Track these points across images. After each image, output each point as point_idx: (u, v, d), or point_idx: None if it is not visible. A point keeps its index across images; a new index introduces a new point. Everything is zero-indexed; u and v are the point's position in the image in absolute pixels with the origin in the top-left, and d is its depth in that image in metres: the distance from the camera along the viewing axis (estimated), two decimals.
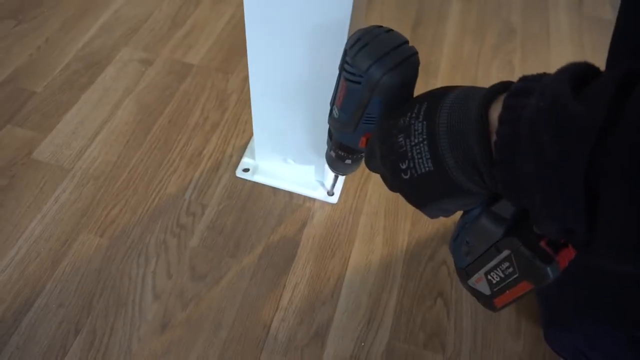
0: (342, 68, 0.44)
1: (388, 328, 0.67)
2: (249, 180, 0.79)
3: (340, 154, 0.52)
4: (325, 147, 0.56)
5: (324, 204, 0.78)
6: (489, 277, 0.38)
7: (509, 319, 0.69)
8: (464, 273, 0.41)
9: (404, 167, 0.37)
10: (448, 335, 0.67)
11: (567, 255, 0.35)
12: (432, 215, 0.40)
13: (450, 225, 0.77)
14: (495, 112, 0.32)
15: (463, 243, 0.40)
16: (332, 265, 0.72)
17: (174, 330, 0.64)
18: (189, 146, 0.83)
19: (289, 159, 0.77)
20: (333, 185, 0.76)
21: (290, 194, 0.78)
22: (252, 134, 0.84)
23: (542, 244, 0.34)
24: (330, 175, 0.76)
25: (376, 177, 0.81)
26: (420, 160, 0.36)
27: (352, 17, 0.52)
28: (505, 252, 0.36)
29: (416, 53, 0.43)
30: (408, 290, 0.70)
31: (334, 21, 0.53)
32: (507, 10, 1.17)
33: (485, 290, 0.40)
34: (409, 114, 0.37)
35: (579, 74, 0.29)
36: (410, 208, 0.77)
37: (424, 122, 0.35)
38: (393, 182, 0.40)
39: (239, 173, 0.80)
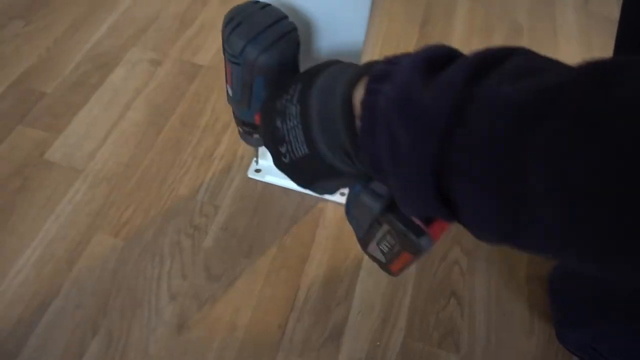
0: (223, 49, 0.44)
1: (402, 328, 0.67)
2: (261, 181, 0.79)
3: (246, 129, 0.53)
4: None
5: (336, 204, 0.78)
6: (380, 247, 0.41)
7: (521, 318, 0.69)
8: (362, 242, 0.44)
9: (283, 150, 0.38)
10: (462, 334, 0.67)
11: (439, 227, 0.36)
12: (318, 192, 0.42)
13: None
14: (359, 94, 0.32)
15: (352, 216, 0.43)
16: (346, 266, 0.72)
17: (191, 330, 0.65)
18: (200, 147, 0.83)
19: None
20: (256, 159, 0.76)
21: (302, 195, 0.78)
22: None
23: (414, 217, 0.36)
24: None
25: None
26: (297, 145, 0.37)
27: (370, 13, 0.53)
28: (385, 227, 0.38)
29: (295, 29, 0.43)
30: (421, 290, 0.71)
31: (350, 20, 0.53)
32: (514, 10, 1.17)
33: (381, 258, 0.42)
34: (285, 96, 0.38)
35: (436, 58, 0.29)
36: None
37: (298, 106, 0.36)
38: (277, 165, 0.41)
39: (251, 174, 0.80)
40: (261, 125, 0.42)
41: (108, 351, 0.63)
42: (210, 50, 0.98)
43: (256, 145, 0.60)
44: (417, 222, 0.36)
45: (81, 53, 0.95)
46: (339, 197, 0.78)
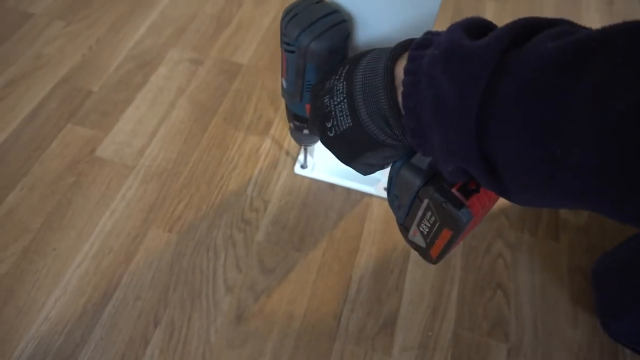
0: (281, 40, 0.47)
1: (452, 318, 0.69)
2: (307, 177, 0.81)
3: (297, 124, 0.57)
4: None
5: (381, 199, 0.80)
6: (420, 228, 0.41)
7: (565, 309, 0.71)
8: (403, 228, 0.45)
9: (329, 125, 0.40)
10: (510, 324, 0.69)
11: (478, 200, 0.37)
12: (361, 170, 0.44)
13: (504, 220, 0.79)
14: (401, 66, 0.34)
15: (394, 197, 0.43)
16: (394, 258, 0.74)
17: (249, 321, 0.67)
18: (246, 143, 0.85)
19: None
20: (305, 159, 0.78)
21: (348, 190, 0.81)
22: None
23: (454, 190, 0.37)
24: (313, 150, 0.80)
25: None
26: (342, 118, 0.39)
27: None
28: (425, 202, 0.39)
29: (345, 21, 0.46)
30: (468, 282, 0.73)
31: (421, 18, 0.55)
32: (540, 11, 1.19)
33: (421, 242, 0.43)
34: (334, 76, 0.40)
35: (475, 26, 0.31)
36: None
37: (344, 82, 0.38)
38: (323, 140, 0.43)
39: (297, 170, 0.82)
40: (311, 105, 0.44)
41: (171, 340, 0.65)
42: (248, 49, 1.00)
43: (305, 143, 0.64)
44: (457, 194, 0.37)
45: (123, 52, 0.97)
46: (383, 192, 0.80)
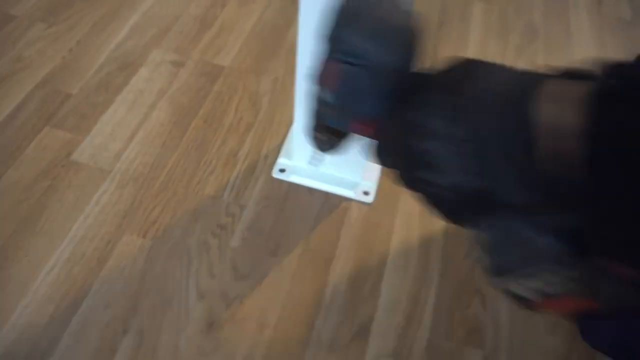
0: (327, 44, 0.37)
1: (428, 325, 0.68)
2: (286, 181, 0.80)
3: (325, 137, 0.43)
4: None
5: (360, 204, 0.79)
6: (527, 284, 0.33)
7: (545, 316, 0.70)
8: (496, 274, 0.35)
9: (427, 176, 0.30)
10: (486, 331, 0.68)
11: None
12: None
13: None
14: (550, 109, 0.25)
15: (499, 251, 0.33)
16: (371, 264, 0.73)
17: (220, 329, 0.66)
18: (225, 147, 0.84)
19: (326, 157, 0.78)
20: (315, 157, 0.75)
21: (327, 194, 0.79)
22: (285, 135, 0.85)
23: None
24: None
25: None
26: (452, 172, 0.29)
27: None
28: (571, 271, 0.31)
29: (420, 26, 0.36)
30: (446, 288, 0.71)
31: None
32: (528, 11, 1.18)
33: (521, 293, 0.34)
34: (423, 107, 0.30)
35: None
36: None
37: (460, 124, 0.28)
38: (408, 183, 0.34)
39: (276, 173, 0.81)
40: (382, 139, 0.35)
41: (140, 349, 0.64)
42: (231, 51, 0.99)
43: (327, 152, 0.48)
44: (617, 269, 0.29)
45: (104, 54, 0.96)
46: (363, 196, 0.79)
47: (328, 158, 0.78)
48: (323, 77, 0.37)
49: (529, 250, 0.31)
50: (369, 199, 0.79)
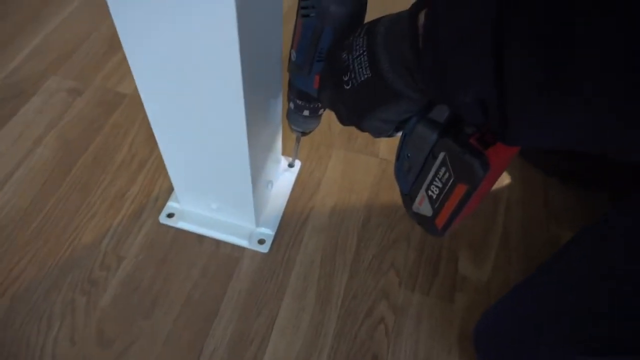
0: (298, 8, 0.48)
1: None
2: (173, 227, 0.72)
3: (299, 103, 0.57)
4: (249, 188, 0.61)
5: (254, 253, 0.71)
6: (430, 192, 0.42)
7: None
8: (408, 198, 0.45)
9: (346, 78, 0.41)
10: None
11: (496, 152, 0.37)
12: (373, 128, 0.43)
13: (393, 276, 0.70)
14: (422, 15, 0.34)
15: (405, 158, 0.44)
16: (257, 325, 0.65)
17: None
18: (112, 187, 0.76)
19: (212, 204, 0.70)
20: (296, 152, 0.72)
21: (217, 243, 0.72)
22: None
23: (472, 140, 0.37)
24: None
25: (314, 221, 0.75)
26: (360, 70, 0.40)
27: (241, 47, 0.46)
28: (441, 156, 0.39)
29: None
30: (339, 353, 0.64)
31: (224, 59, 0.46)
32: None
33: (428, 211, 0.43)
34: (352, 35, 0.41)
35: None
36: (349, 256, 0.71)
37: (364, 37, 0.39)
38: (336, 97, 0.44)
39: (163, 219, 0.73)
40: (325, 64, 0.46)
41: None
42: None
43: (302, 128, 0.62)
44: (475, 144, 0.37)
45: None
46: (257, 246, 0.71)
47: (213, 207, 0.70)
48: (293, 40, 0.50)
49: (418, 144, 0.41)
50: (265, 248, 0.71)
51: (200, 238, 0.72)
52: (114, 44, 0.97)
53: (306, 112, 0.59)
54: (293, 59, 0.51)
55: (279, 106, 0.65)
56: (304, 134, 0.64)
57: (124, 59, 0.94)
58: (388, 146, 0.85)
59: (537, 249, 0.75)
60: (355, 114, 0.43)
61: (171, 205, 0.74)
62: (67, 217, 0.73)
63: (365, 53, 0.39)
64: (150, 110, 0.56)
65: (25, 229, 0.71)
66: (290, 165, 0.79)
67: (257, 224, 0.72)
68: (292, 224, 0.75)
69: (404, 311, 0.68)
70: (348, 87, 0.42)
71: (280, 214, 0.75)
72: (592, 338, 0.47)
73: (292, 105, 0.59)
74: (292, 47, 0.51)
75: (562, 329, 0.50)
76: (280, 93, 0.64)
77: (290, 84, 0.56)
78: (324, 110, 0.60)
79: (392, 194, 0.79)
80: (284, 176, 0.79)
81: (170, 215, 0.73)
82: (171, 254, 0.70)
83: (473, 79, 0.30)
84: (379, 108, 0.41)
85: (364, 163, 0.83)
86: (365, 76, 0.40)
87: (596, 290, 0.48)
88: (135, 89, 0.89)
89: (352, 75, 0.41)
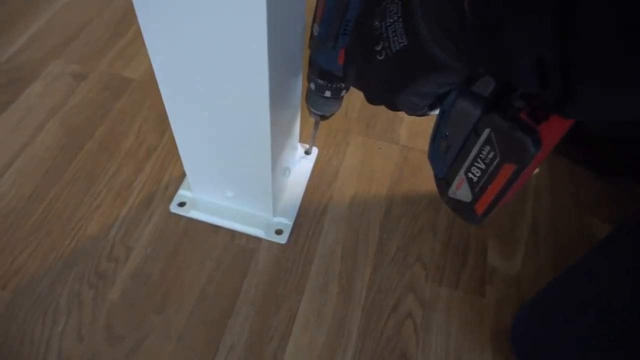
0: None
1: None
2: (185, 217, 0.68)
3: (320, 82, 0.53)
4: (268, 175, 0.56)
5: (271, 244, 0.67)
6: (470, 174, 0.38)
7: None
8: (444, 183, 0.41)
9: (378, 48, 0.38)
10: None
11: (549, 127, 0.33)
12: (408, 105, 0.39)
13: (419, 269, 0.66)
14: None
15: (442, 137, 0.40)
16: (277, 321, 0.61)
17: None
18: (118, 175, 0.72)
19: (228, 192, 0.66)
20: (314, 137, 0.68)
21: (232, 233, 0.67)
22: None
23: (522, 115, 0.33)
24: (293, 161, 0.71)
25: (333, 211, 0.70)
26: (395, 38, 0.36)
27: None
28: (485, 133, 0.35)
29: None
30: (365, 351, 0.59)
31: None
32: None
33: (467, 195, 0.39)
34: (385, 1, 0.37)
35: None
36: (371, 247, 0.67)
37: (399, 2, 0.35)
38: (367, 70, 0.40)
39: (174, 208, 0.69)
40: (352, 35, 0.42)
41: None
42: (143, 61, 0.87)
43: (322, 111, 0.58)
44: (526, 119, 0.33)
45: None
46: (274, 236, 0.67)
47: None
48: (315, 12, 0.46)
49: (459, 120, 0.37)
50: (282, 239, 0.67)
51: (214, 228, 0.68)
52: (118, 30, 0.93)
53: (328, 93, 0.55)
54: (315, 33, 0.47)
55: (299, 87, 0.61)
56: (323, 117, 0.60)
57: (129, 45, 0.90)
58: (409, 132, 0.81)
59: (567, 239, 0.71)
60: (390, 89, 0.39)
61: (182, 193, 0.70)
62: (71, 207, 0.68)
63: (400, 20, 0.35)
64: (165, 88, 0.51)
65: (28, 218, 0.67)
66: (307, 153, 0.74)
67: (274, 214, 0.67)
68: (310, 213, 0.70)
69: (432, 306, 0.63)
70: (381, 58, 0.38)
71: (298, 203, 0.70)
72: None
73: (312, 85, 0.55)
74: (314, 20, 0.47)
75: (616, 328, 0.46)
76: (301, 71, 0.60)
77: (312, 62, 0.52)
78: (346, 92, 0.56)
79: (415, 182, 0.75)
80: (300, 164, 0.75)
81: (181, 204, 0.69)
82: (183, 245, 0.66)
83: (534, 37, 0.27)
84: (417, 80, 0.37)
85: (384, 150, 0.79)
86: (401, 44, 0.36)
87: None
88: (143, 74, 0.85)
89: (386, 44, 0.37)
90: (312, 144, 0.71)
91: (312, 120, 0.62)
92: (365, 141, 0.80)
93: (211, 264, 0.65)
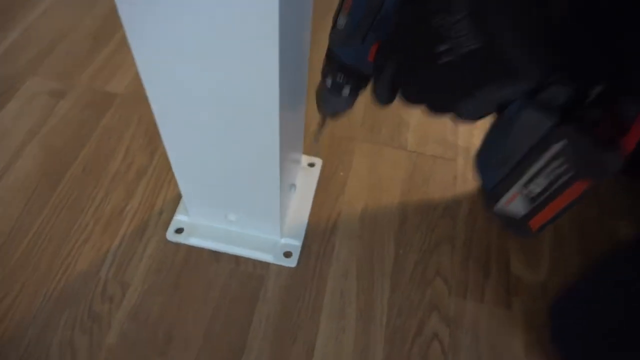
0: None
1: None
2: (183, 244, 0.62)
3: (339, 80, 0.47)
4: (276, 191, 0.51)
5: (280, 268, 0.61)
6: (531, 186, 0.36)
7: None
8: (493, 195, 0.39)
9: (442, 49, 0.33)
10: None
11: (627, 142, 0.31)
12: (469, 112, 0.36)
13: (440, 284, 0.61)
14: None
15: (497, 148, 0.37)
16: (294, 354, 0.56)
17: None
18: (107, 202, 0.66)
19: (229, 215, 0.60)
20: (319, 135, 0.60)
21: (237, 259, 0.62)
22: None
23: (602, 129, 0.31)
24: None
25: (344, 226, 0.65)
26: (464, 39, 0.32)
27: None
28: (557, 147, 0.32)
29: None
30: None
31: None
32: None
33: (520, 209, 0.37)
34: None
35: None
36: (388, 264, 0.62)
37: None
38: (419, 72, 0.36)
39: (170, 235, 0.63)
40: (398, 31, 0.37)
41: None
42: (127, 74, 0.81)
43: (333, 110, 0.52)
44: (608, 134, 0.31)
45: None
46: (283, 260, 0.61)
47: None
48: (341, 3, 0.41)
49: (526, 130, 0.34)
50: (292, 262, 0.61)
51: (216, 255, 0.62)
52: (99, 39, 0.86)
53: (346, 91, 0.48)
54: (341, 27, 0.42)
55: (304, 93, 0.55)
56: (333, 116, 0.54)
57: (111, 55, 0.84)
58: (416, 137, 0.76)
59: (592, 243, 0.66)
60: (448, 95, 0.36)
61: (179, 218, 0.64)
62: (56, 242, 0.62)
63: (468, 16, 0.31)
64: (155, 100, 0.45)
65: (10, 256, 0.61)
66: (179, 231, 0.63)
67: (282, 235, 0.62)
68: (319, 231, 0.65)
69: (458, 323, 0.59)
70: (443, 61, 0.33)
71: (305, 221, 0.65)
72: None
73: (329, 82, 0.48)
74: (338, 12, 0.42)
75: None
76: (307, 77, 0.54)
77: (331, 58, 0.46)
78: (365, 89, 0.50)
79: (427, 190, 0.70)
80: (305, 177, 0.69)
81: (178, 231, 0.63)
82: (184, 277, 0.60)
83: None
84: (483, 88, 0.33)
85: (392, 157, 0.74)
86: (470, 47, 0.32)
87: None
88: (128, 87, 0.79)
89: (451, 47, 0.33)
90: (316, 140, 0.64)
91: (317, 120, 0.55)
92: (371, 148, 0.75)
93: (216, 295, 0.59)
